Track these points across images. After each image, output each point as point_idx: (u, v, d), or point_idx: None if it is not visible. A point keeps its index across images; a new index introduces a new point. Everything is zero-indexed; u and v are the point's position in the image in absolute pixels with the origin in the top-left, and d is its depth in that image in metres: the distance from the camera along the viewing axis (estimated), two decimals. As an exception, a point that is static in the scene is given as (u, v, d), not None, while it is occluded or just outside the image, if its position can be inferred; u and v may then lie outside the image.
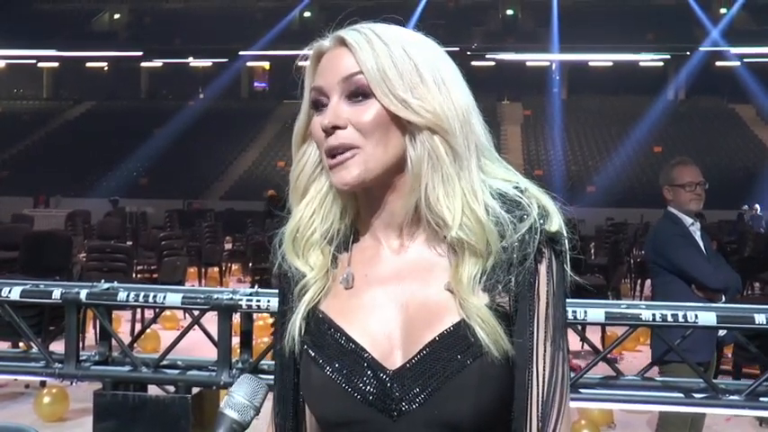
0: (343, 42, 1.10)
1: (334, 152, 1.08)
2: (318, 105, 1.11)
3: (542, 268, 1.08)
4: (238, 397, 1.07)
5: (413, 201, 1.09)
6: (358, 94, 1.08)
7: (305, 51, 1.15)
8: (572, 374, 2.74)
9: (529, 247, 1.07)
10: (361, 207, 1.15)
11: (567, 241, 1.10)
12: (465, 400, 1.04)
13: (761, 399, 2.58)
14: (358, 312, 1.11)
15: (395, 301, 1.10)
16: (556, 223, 1.09)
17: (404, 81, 1.07)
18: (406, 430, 1.06)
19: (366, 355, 1.08)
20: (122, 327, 7.56)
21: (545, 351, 1.07)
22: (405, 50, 1.08)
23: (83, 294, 2.77)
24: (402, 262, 1.12)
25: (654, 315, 2.55)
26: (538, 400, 1.06)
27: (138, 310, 7.84)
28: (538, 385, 1.06)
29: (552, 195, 1.12)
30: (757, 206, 21.86)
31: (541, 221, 1.08)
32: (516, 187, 1.11)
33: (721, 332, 3.61)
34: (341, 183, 1.08)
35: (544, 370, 1.07)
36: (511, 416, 1.08)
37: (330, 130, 1.07)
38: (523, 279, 1.07)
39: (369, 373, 1.07)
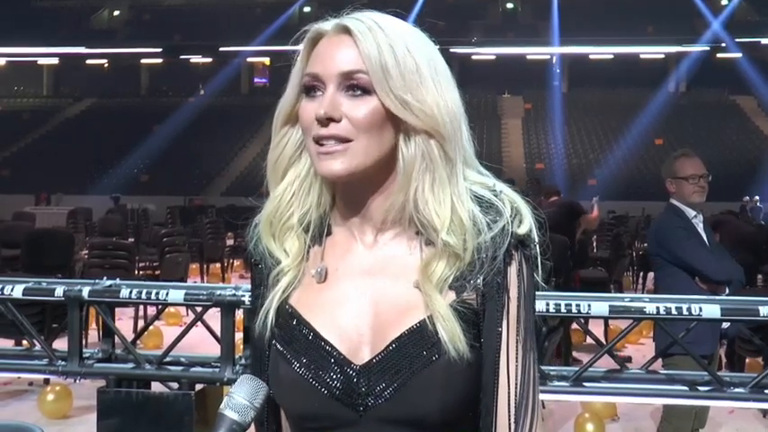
0: (345, 30, 1.07)
1: (324, 141, 1.06)
2: (311, 91, 1.08)
3: (512, 270, 1.08)
4: (238, 398, 1.06)
5: (400, 200, 1.08)
6: (357, 88, 1.06)
7: (299, 47, 1.12)
8: (576, 368, 2.74)
9: (499, 248, 1.07)
10: (340, 199, 1.14)
11: (537, 245, 1.10)
12: (431, 396, 1.04)
13: (765, 391, 2.57)
14: (328, 307, 1.11)
15: (365, 297, 1.10)
16: (526, 226, 1.09)
17: (405, 81, 1.05)
18: (372, 425, 1.06)
19: (333, 350, 1.08)
20: (125, 324, 7.57)
21: (516, 353, 1.07)
22: (407, 48, 1.06)
23: (85, 292, 2.77)
24: (374, 258, 1.12)
25: (658, 308, 2.55)
26: (509, 402, 1.06)
27: (141, 307, 7.84)
28: (509, 387, 1.06)
29: (526, 200, 1.12)
30: (757, 198, 21.85)
31: (512, 224, 1.08)
32: (492, 190, 1.11)
33: (725, 324, 3.60)
34: (328, 171, 1.06)
35: (516, 371, 1.07)
36: (478, 413, 1.08)
37: (324, 121, 1.05)
38: (492, 279, 1.07)
39: (336, 368, 1.07)
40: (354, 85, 1.06)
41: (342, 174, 1.06)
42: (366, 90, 1.06)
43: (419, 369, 1.05)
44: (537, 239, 1.10)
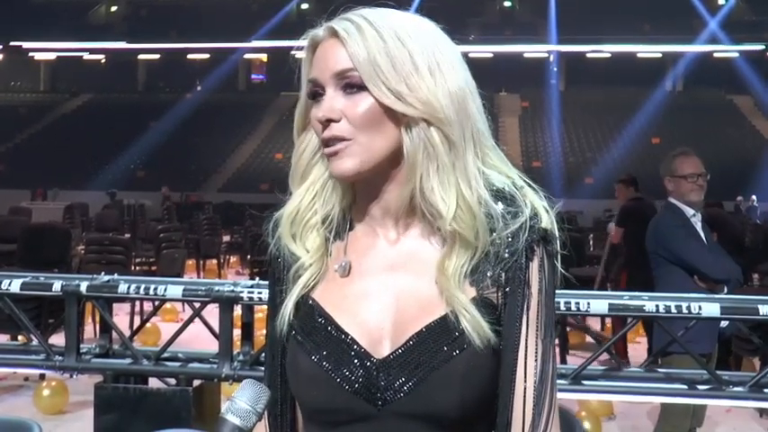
0: (334, 33, 1.09)
1: (330, 143, 1.08)
2: (315, 96, 1.11)
3: (534, 266, 1.09)
4: (241, 402, 1.05)
5: (408, 190, 1.09)
6: (352, 86, 1.07)
7: (300, 43, 1.15)
8: (575, 366, 2.74)
9: (520, 243, 1.08)
10: (359, 196, 1.15)
11: (558, 241, 1.11)
12: (450, 391, 1.05)
13: (764, 390, 2.58)
14: (349, 302, 1.12)
15: (387, 292, 1.11)
16: (548, 222, 1.10)
17: (397, 72, 1.06)
18: (389, 420, 1.06)
19: (354, 343, 1.09)
20: (121, 320, 7.55)
21: (536, 347, 1.08)
22: (398, 38, 1.07)
23: (83, 287, 2.76)
24: (396, 253, 1.12)
25: (657, 306, 2.55)
26: (525, 398, 1.07)
27: (137, 303, 7.83)
28: (527, 380, 1.07)
29: (546, 195, 1.13)
30: (754, 197, 21.87)
31: (534, 220, 1.09)
32: (512, 183, 1.12)
33: (723, 323, 3.60)
34: (339, 172, 1.08)
35: (536, 365, 1.07)
36: (496, 409, 1.08)
37: (325, 123, 1.08)
38: (514, 275, 1.08)
39: (356, 361, 1.08)
40: (349, 84, 1.07)
41: (351, 172, 1.08)
42: (360, 87, 1.07)
43: (439, 364, 1.05)
44: (558, 235, 1.10)
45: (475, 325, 1.05)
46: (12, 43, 38.82)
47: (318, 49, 1.11)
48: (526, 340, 1.07)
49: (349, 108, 1.07)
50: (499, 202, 1.09)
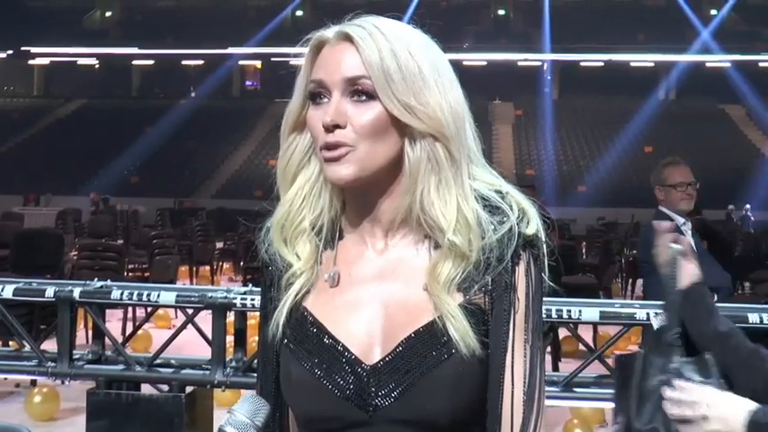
0: (347, 38, 1.08)
1: (331, 148, 1.07)
2: (317, 98, 1.09)
3: (520, 270, 1.09)
4: (240, 415, 1.07)
5: (406, 202, 1.09)
6: (362, 93, 1.07)
7: (295, 50, 1.14)
8: (566, 374, 2.75)
9: (506, 248, 1.08)
10: (349, 203, 1.15)
11: (544, 245, 1.11)
12: (441, 396, 1.05)
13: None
14: (340, 311, 1.12)
15: (376, 301, 1.11)
16: (533, 227, 1.10)
17: (407, 85, 1.06)
18: (381, 426, 1.07)
19: (345, 351, 1.09)
20: (113, 326, 7.52)
21: (524, 352, 1.09)
22: (409, 52, 1.08)
23: (76, 293, 2.76)
24: (385, 262, 1.13)
25: (648, 314, 2.56)
26: (514, 401, 1.07)
27: (130, 309, 7.81)
28: (515, 385, 1.08)
29: (533, 200, 1.13)
30: (747, 206, 21.98)
31: (520, 225, 1.09)
32: (498, 191, 1.12)
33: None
34: (336, 178, 1.08)
35: (524, 371, 1.08)
36: (486, 414, 1.09)
37: (330, 128, 1.07)
38: (500, 279, 1.09)
39: (347, 368, 1.08)
40: (359, 90, 1.07)
41: (349, 179, 1.08)
42: (370, 95, 1.07)
43: (429, 369, 1.06)
44: (544, 240, 1.11)
45: (462, 333, 1.06)
46: (22, 48, 38.76)
47: (326, 51, 1.09)
48: (513, 345, 1.08)
49: (356, 115, 1.06)
50: (487, 210, 1.10)
